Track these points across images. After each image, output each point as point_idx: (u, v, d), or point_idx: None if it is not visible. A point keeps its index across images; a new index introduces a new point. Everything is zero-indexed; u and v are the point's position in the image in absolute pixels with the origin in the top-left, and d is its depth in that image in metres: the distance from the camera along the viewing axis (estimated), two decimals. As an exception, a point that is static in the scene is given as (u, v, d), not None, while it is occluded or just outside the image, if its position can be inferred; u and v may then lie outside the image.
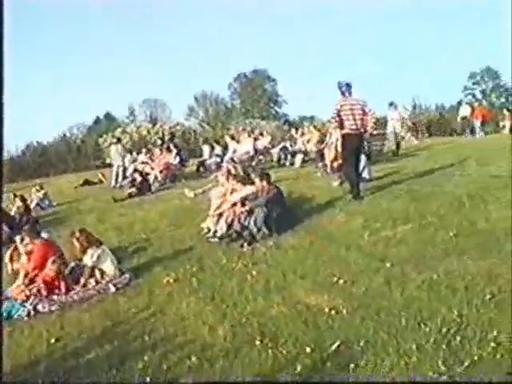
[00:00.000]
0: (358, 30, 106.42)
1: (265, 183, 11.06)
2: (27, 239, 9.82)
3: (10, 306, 8.36)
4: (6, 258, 10.16)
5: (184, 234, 11.67)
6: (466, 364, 4.81)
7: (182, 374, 5.58)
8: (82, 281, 9.15)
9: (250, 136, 23.18)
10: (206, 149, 25.33)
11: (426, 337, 5.42)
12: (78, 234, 9.56)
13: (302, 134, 23.60)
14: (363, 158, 13.29)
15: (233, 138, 24.32)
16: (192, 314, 7.13)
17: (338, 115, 11.36)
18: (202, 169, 22.81)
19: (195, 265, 9.28)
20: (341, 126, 11.43)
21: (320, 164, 17.76)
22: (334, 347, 5.55)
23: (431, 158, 17.52)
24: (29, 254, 9.72)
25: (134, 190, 18.47)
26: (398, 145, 20.63)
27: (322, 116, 42.94)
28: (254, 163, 20.36)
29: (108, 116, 76.46)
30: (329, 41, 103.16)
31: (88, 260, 9.33)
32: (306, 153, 20.97)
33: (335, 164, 15.64)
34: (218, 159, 22.64)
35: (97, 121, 74.83)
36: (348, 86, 11.52)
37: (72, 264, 9.59)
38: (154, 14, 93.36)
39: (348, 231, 9.81)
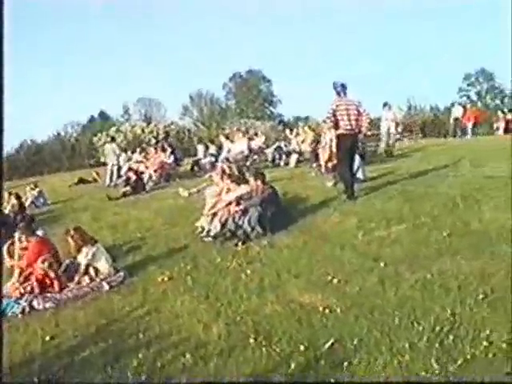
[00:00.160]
0: (357, 30, 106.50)
1: (259, 183, 11.09)
2: (22, 237, 9.83)
3: (4, 303, 8.37)
4: (5, 253, 10.14)
5: (178, 232, 11.67)
6: (459, 362, 4.85)
7: (177, 371, 5.60)
8: (77, 278, 9.18)
9: (244, 136, 23.23)
10: (200, 148, 25.42)
11: (419, 335, 5.46)
12: (72, 232, 9.56)
13: (297, 134, 23.66)
14: (357, 158, 13.32)
15: (227, 137, 24.39)
16: (186, 313, 7.15)
17: (334, 115, 11.37)
18: (196, 168, 22.85)
19: (190, 263, 9.29)
20: (336, 126, 11.45)
21: (314, 164, 17.82)
22: (327, 345, 5.58)
23: (425, 159, 17.57)
24: (23, 251, 9.73)
25: (128, 188, 18.48)
26: (392, 145, 20.67)
27: (316, 116, 42.92)
28: (248, 163, 20.39)
29: (102, 115, 76.30)
30: (329, 41, 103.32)
31: (82, 258, 9.35)
32: (300, 153, 21.03)
33: (329, 164, 15.70)
34: (213, 159, 22.70)
35: (91, 120, 74.66)
36: (343, 86, 11.53)
37: (67, 262, 9.62)
38: (154, 13, 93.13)
39: (342, 231, 9.83)
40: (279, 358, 5.55)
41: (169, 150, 22.38)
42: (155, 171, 20.52)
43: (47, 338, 7.04)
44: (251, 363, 5.51)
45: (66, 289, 8.93)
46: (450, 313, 5.83)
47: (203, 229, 11.07)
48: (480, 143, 23.01)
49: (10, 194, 16.03)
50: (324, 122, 16.45)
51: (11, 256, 9.96)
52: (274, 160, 21.56)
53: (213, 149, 24.14)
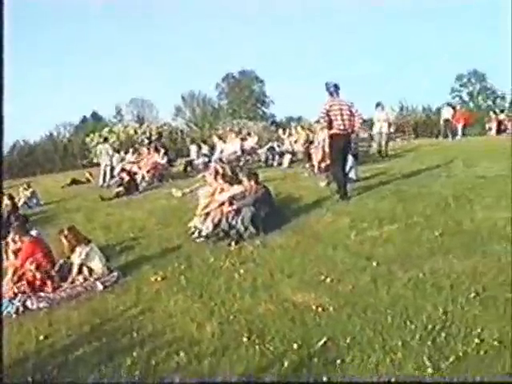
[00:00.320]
0: (357, 30, 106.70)
1: (253, 183, 11.11)
2: (16, 237, 9.82)
3: (-1, 302, 8.39)
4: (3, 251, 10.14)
5: (172, 233, 11.68)
6: (451, 360, 4.89)
7: (170, 370, 5.62)
8: (70, 278, 9.19)
9: (237, 136, 23.25)
10: (193, 149, 25.46)
11: (411, 334, 5.50)
12: (66, 232, 9.56)
13: (290, 134, 23.71)
14: (350, 158, 13.37)
15: (220, 138, 24.42)
16: (180, 312, 7.18)
17: (327, 115, 11.42)
18: (189, 168, 22.87)
19: (183, 263, 9.30)
20: (329, 125, 11.49)
21: (307, 164, 17.85)
22: (320, 344, 5.62)
23: (418, 159, 17.64)
24: (17, 251, 9.72)
25: (121, 189, 18.46)
26: (385, 145, 20.70)
27: (308, 117, 43.03)
28: (241, 163, 20.42)
29: (95, 115, 76.29)
30: (328, 41, 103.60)
31: (76, 258, 9.34)
32: (293, 153, 21.07)
33: (322, 164, 15.76)
34: (206, 159, 22.74)
35: (83, 120, 74.62)
36: (336, 86, 11.58)
37: (60, 261, 9.63)
38: (153, 13, 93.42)
39: (335, 231, 9.86)
40: (272, 356, 5.57)
41: (162, 150, 22.38)
42: (148, 172, 20.51)
43: (41, 338, 7.05)
44: (244, 362, 5.54)
45: (59, 289, 8.94)
46: (442, 311, 5.88)
47: (196, 229, 11.08)
48: (472, 144, 23.10)
49: (2, 194, 16.01)
50: (317, 121, 16.53)
51: (6, 256, 9.96)
52: (266, 160, 21.58)
53: (206, 149, 24.19)
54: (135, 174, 20.13)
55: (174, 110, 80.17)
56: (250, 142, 22.96)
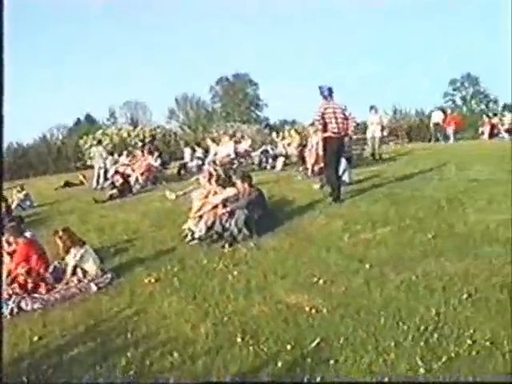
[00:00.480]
0: (357, 31, 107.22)
1: (246, 185, 11.15)
2: (10, 238, 9.83)
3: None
4: None
5: (165, 235, 11.71)
6: (443, 360, 4.93)
7: (165, 370, 5.65)
8: (64, 280, 9.21)
9: (231, 139, 23.26)
10: (187, 151, 25.46)
11: (404, 335, 5.53)
12: (61, 233, 9.57)
13: (283, 137, 23.78)
14: (343, 161, 13.43)
15: (214, 140, 24.48)
16: (174, 313, 7.19)
17: (322, 118, 11.47)
18: (183, 171, 22.88)
19: (177, 265, 9.32)
20: (324, 128, 11.54)
21: (301, 167, 17.91)
22: (313, 344, 5.65)
23: (411, 163, 17.71)
24: (12, 253, 9.72)
25: (115, 191, 18.46)
26: (378, 149, 20.76)
27: (302, 120, 43.14)
28: (234, 166, 20.42)
29: (88, 118, 76.31)
30: (328, 41, 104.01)
31: (71, 259, 9.34)
32: (286, 156, 21.16)
33: (316, 167, 15.82)
34: (200, 162, 22.77)
35: (77, 123, 74.64)
36: (330, 90, 11.64)
37: (55, 263, 9.64)
38: (153, 14, 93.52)
39: (328, 233, 9.90)
40: (266, 356, 5.60)
41: (156, 153, 22.41)
42: (142, 174, 20.52)
43: (35, 339, 7.05)
44: (238, 362, 5.56)
45: (53, 290, 8.95)
46: (435, 313, 5.92)
47: (190, 231, 11.10)
48: (465, 147, 23.22)
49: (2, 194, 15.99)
50: (311, 125, 16.57)
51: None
52: (260, 163, 21.66)
53: (199, 152, 24.21)
54: (129, 176, 20.13)
55: (167, 113, 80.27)
56: (244, 145, 22.99)
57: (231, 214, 10.72)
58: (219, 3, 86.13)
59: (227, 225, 10.60)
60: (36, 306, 8.47)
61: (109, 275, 9.25)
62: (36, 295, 8.76)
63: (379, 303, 6.46)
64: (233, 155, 21.24)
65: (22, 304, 8.50)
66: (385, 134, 23.11)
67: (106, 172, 22.54)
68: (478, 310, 5.88)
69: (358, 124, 14.42)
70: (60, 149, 41.25)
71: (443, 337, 5.38)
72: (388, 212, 10.49)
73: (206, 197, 11.73)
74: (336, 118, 11.48)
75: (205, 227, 10.87)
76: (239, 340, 6.02)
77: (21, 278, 9.09)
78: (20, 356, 6.61)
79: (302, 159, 17.88)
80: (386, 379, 4.84)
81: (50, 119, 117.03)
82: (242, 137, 27.05)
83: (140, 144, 34.72)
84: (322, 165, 13.84)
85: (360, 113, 21.41)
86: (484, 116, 32.89)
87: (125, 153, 25.86)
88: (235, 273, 8.44)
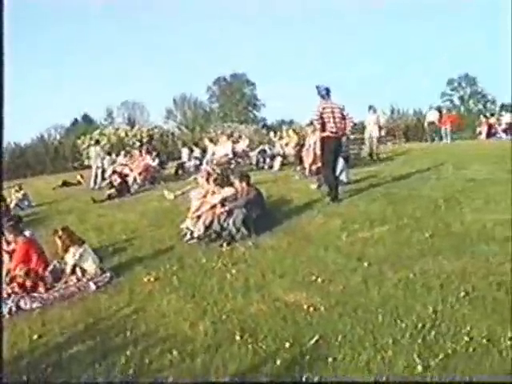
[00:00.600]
0: (357, 31, 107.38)
1: (244, 185, 11.20)
2: (10, 237, 9.84)
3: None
4: None
5: (164, 234, 11.75)
6: (441, 357, 4.97)
7: (164, 367, 5.69)
8: (63, 279, 9.23)
9: (229, 139, 23.28)
10: (184, 151, 25.52)
11: (401, 332, 5.57)
12: (60, 233, 9.59)
13: (281, 137, 23.81)
14: (341, 161, 13.45)
15: (211, 140, 24.48)
16: (173, 311, 7.23)
17: (321, 117, 11.51)
18: (180, 171, 22.89)
19: (175, 264, 9.35)
20: (322, 128, 11.57)
21: (298, 167, 17.94)
22: (312, 342, 5.69)
23: (408, 163, 17.74)
24: (11, 251, 9.75)
25: (113, 191, 18.49)
26: (376, 148, 20.80)
27: (299, 120, 43.17)
28: (232, 166, 20.44)
29: (85, 118, 76.27)
30: (328, 42, 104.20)
31: (70, 258, 9.37)
32: (284, 156, 21.18)
33: (313, 167, 15.83)
34: (197, 162, 22.78)
35: (74, 123, 74.60)
36: (327, 90, 11.67)
37: (54, 262, 9.66)
38: (153, 14, 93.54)
39: (326, 232, 9.94)
40: (265, 354, 5.63)
41: (154, 153, 22.45)
42: (140, 174, 20.56)
43: (35, 337, 7.09)
44: (237, 360, 5.59)
45: (52, 289, 8.98)
46: (432, 310, 5.96)
47: (188, 230, 11.14)
48: (462, 147, 23.25)
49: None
50: (311, 123, 16.57)
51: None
52: (258, 163, 21.67)
53: (197, 152, 24.22)
54: (127, 176, 20.16)
55: (165, 113, 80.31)
56: (242, 145, 23.02)
57: (229, 213, 10.75)
58: (219, 4, 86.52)
59: (225, 224, 10.62)
60: (35, 305, 8.50)
61: (108, 274, 9.28)
62: (35, 294, 8.79)
63: (377, 301, 6.50)
64: (231, 155, 21.25)
65: (21, 303, 8.53)
66: (382, 133, 23.17)
67: (103, 172, 22.56)
68: (474, 307, 5.93)
69: (355, 124, 14.47)
70: (57, 149, 41.30)
71: (440, 334, 5.42)
72: (386, 211, 10.53)
73: (205, 196, 11.76)
74: (334, 118, 11.52)
75: (203, 227, 10.90)
76: (238, 338, 6.05)
77: (20, 279, 9.12)
78: (19, 354, 6.63)
79: (300, 159, 17.90)
80: (384, 378, 4.88)
81: (49, 119, 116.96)
82: (240, 137, 27.09)
83: (138, 144, 34.75)
84: (319, 164, 13.86)
85: (359, 113, 21.49)
86: (481, 116, 32.92)
87: (122, 153, 25.86)
88: (234, 271, 8.48)
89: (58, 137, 55.57)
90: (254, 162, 21.87)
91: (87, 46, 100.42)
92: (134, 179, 20.22)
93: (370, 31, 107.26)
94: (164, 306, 7.51)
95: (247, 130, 41.64)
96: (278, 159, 20.73)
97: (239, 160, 21.88)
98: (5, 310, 8.27)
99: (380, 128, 21.48)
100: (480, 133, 30.19)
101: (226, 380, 5.32)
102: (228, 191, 11.47)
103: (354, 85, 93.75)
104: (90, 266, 9.35)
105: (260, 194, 11.21)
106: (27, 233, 10.46)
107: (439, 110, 31.00)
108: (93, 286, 8.91)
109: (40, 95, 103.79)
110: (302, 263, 8.40)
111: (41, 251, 9.72)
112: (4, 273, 9.35)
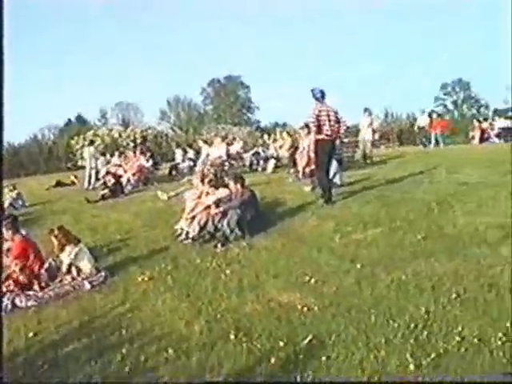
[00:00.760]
0: (357, 31, 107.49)
1: (239, 186, 11.25)
2: (7, 235, 9.86)
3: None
4: None
5: (158, 234, 11.79)
6: (433, 356, 5.06)
7: (160, 365, 5.75)
8: (59, 277, 9.28)
9: (223, 141, 23.34)
10: (178, 152, 25.56)
11: (394, 332, 5.66)
12: (56, 232, 9.63)
13: (275, 140, 23.89)
14: (334, 163, 13.52)
15: (205, 142, 24.51)
16: (168, 310, 7.29)
17: (317, 120, 11.58)
18: (174, 172, 22.94)
19: (170, 264, 9.41)
20: (318, 130, 11.63)
21: (292, 169, 17.98)
22: (306, 341, 5.77)
23: (401, 166, 17.81)
24: (7, 249, 9.77)
25: (107, 191, 18.49)
26: (369, 152, 20.85)
27: (293, 123, 43.24)
28: (226, 168, 20.49)
29: (79, 118, 76.15)
30: (329, 42, 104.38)
31: (65, 257, 9.41)
32: (278, 158, 21.21)
33: (307, 170, 15.86)
34: (191, 163, 22.82)
35: (68, 123, 74.48)
36: (322, 92, 11.73)
37: (49, 260, 9.68)
38: (153, 14, 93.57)
39: (319, 234, 10.00)
40: (260, 353, 5.71)
41: (147, 153, 22.48)
42: (134, 175, 20.59)
43: (30, 335, 7.13)
44: (232, 358, 5.66)
45: (47, 287, 9.02)
46: (424, 311, 6.05)
47: (183, 231, 11.20)
48: (455, 152, 23.32)
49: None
50: (303, 127, 16.61)
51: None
52: (251, 165, 21.73)
53: (191, 153, 24.27)
54: (121, 176, 20.17)
55: (159, 114, 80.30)
56: (236, 147, 23.07)
57: (224, 214, 10.81)
58: (219, 4, 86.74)
59: (220, 225, 10.69)
60: (30, 303, 8.55)
61: (103, 273, 9.32)
62: (30, 292, 8.82)
63: (370, 302, 6.58)
64: (224, 157, 21.28)
65: (17, 301, 8.57)
66: (376, 137, 23.23)
67: (97, 172, 22.57)
68: (466, 308, 6.02)
69: (348, 127, 14.54)
70: (51, 149, 41.33)
71: (432, 334, 5.51)
72: (379, 214, 10.60)
73: (199, 197, 11.81)
74: (330, 121, 11.59)
75: (198, 227, 10.96)
76: (232, 337, 6.13)
77: (14, 275, 9.15)
78: (15, 352, 6.68)
79: (294, 161, 17.94)
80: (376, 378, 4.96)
81: (46, 119, 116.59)
82: (234, 138, 27.19)
83: (131, 145, 34.77)
84: (313, 167, 13.90)
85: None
86: (474, 121, 33.05)
87: (117, 153, 25.84)
88: (228, 272, 8.55)
89: (51, 137, 55.46)
90: (248, 164, 21.93)
91: (87, 46, 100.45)
92: (128, 180, 20.25)
93: (370, 31, 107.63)
94: (159, 305, 7.57)
95: (241, 132, 41.77)
96: (272, 161, 20.77)
97: (233, 162, 21.92)
98: (0, 308, 8.32)
99: (374, 131, 21.53)
100: (473, 137, 30.27)
101: (220, 379, 5.38)
102: (222, 192, 11.54)
103: (354, 85, 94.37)
104: (86, 265, 9.40)
105: (254, 196, 11.27)
106: (23, 231, 10.49)
107: (430, 115, 31.09)
108: (88, 285, 8.95)
109: (39, 95, 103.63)
110: (296, 264, 8.47)
111: (37, 250, 9.74)
112: (0, 270, 9.41)
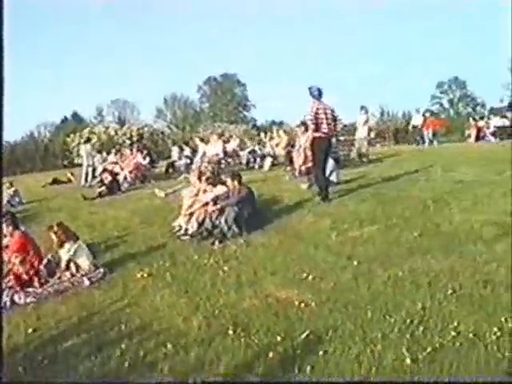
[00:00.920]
0: (357, 31, 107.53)
1: (236, 183, 11.30)
2: (6, 231, 9.88)
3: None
4: None
5: (156, 231, 11.84)
6: (428, 351, 5.12)
7: (159, 360, 5.80)
8: (58, 274, 9.31)
9: (219, 138, 23.38)
10: (175, 150, 25.59)
11: (390, 327, 5.72)
12: (56, 228, 9.66)
13: (271, 138, 23.94)
14: (331, 161, 13.61)
15: (202, 139, 24.54)
16: (166, 306, 7.33)
17: (316, 118, 11.64)
18: (171, 170, 23.00)
19: (168, 261, 9.45)
20: (316, 128, 11.68)
21: (288, 167, 18.06)
22: (303, 336, 5.83)
23: (397, 164, 17.91)
24: (6, 246, 9.79)
25: (103, 189, 18.53)
26: (365, 150, 20.90)
27: (290, 121, 43.25)
28: (222, 165, 20.54)
29: (75, 116, 76.11)
30: (329, 42, 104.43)
31: (64, 253, 9.43)
32: (274, 156, 21.28)
33: (303, 167, 15.94)
34: (188, 161, 22.86)
35: (64, 120, 74.42)
36: (319, 90, 11.79)
37: (48, 256, 9.72)
38: (153, 14, 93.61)
39: (316, 231, 10.07)
40: (258, 348, 5.75)
41: (144, 151, 22.52)
42: (131, 172, 20.64)
43: (30, 331, 7.15)
44: (230, 353, 5.71)
45: (46, 284, 9.07)
46: (421, 307, 6.11)
47: (181, 228, 11.26)
48: (450, 150, 23.42)
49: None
50: (302, 124, 16.64)
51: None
52: (248, 163, 21.82)
53: (188, 151, 24.32)
54: (117, 174, 20.21)
55: (155, 112, 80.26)
56: (232, 145, 23.15)
57: (221, 211, 10.88)
58: (219, 4, 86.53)
59: (217, 222, 10.75)
60: (29, 299, 8.56)
61: (101, 270, 9.35)
62: (29, 289, 8.85)
63: (367, 298, 6.64)
64: (221, 154, 21.35)
65: (15, 298, 8.59)
66: (372, 135, 23.31)
67: (94, 170, 22.62)
68: (462, 304, 6.08)
69: (345, 125, 14.63)
70: (47, 146, 41.33)
71: (428, 329, 5.57)
72: (375, 211, 10.68)
73: (196, 195, 11.86)
74: (327, 119, 11.66)
75: (196, 223, 11.04)
76: (231, 332, 6.16)
77: (15, 268, 9.20)
78: (15, 347, 6.70)
79: (290, 159, 18.02)
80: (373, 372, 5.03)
81: (44, 118, 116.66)
82: (231, 136, 27.23)
83: (128, 142, 34.78)
84: (309, 165, 13.99)
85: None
86: (470, 119, 33.13)
87: (113, 151, 25.86)
88: (226, 268, 8.59)
89: (47, 134, 55.45)
90: (245, 162, 22.00)
91: (86, 46, 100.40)
92: (125, 177, 20.29)
93: (370, 31, 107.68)
94: (157, 300, 7.61)
95: (237, 130, 41.80)
96: (268, 159, 20.85)
97: (229, 160, 21.99)
98: (-1, 305, 8.36)
99: (370, 130, 21.60)
100: (469, 136, 30.37)
101: (219, 373, 5.44)
102: (220, 190, 11.59)
103: (354, 85, 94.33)
104: (84, 261, 9.43)
105: (251, 193, 11.33)
106: (23, 228, 10.52)
107: (423, 114, 31.19)
108: (87, 282, 8.99)
109: (38, 95, 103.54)
110: (293, 261, 8.52)
111: (36, 246, 9.76)
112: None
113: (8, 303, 8.46)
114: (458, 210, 10.09)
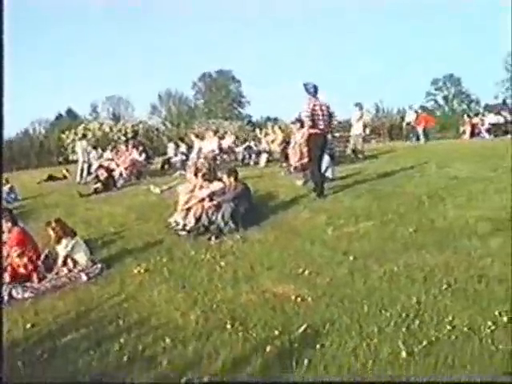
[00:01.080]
0: (357, 31, 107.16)
1: (232, 179, 11.34)
2: (6, 226, 9.90)
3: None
4: None
5: (152, 227, 11.87)
6: (424, 344, 5.20)
7: (157, 354, 5.86)
8: (55, 269, 9.35)
9: (215, 135, 23.38)
10: (170, 146, 25.49)
11: (386, 321, 5.80)
12: (54, 224, 9.70)
13: (266, 134, 23.95)
14: (327, 157, 13.65)
15: (197, 136, 24.52)
16: (164, 301, 7.41)
17: (312, 114, 11.70)
18: (166, 166, 22.97)
19: (165, 256, 9.52)
20: (313, 124, 11.74)
21: (284, 164, 18.08)
22: (300, 330, 5.90)
23: (392, 161, 17.90)
24: (5, 241, 9.82)
25: (99, 185, 18.48)
26: (360, 146, 20.94)
27: (284, 118, 43.24)
28: (218, 162, 20.55)
29: (70, 112, 75.95)
30: (329, 42, 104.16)
31: (62, 249, 9.49)
32: (270, 153, 21.28)
33: (299, 164, 15.97)
34: (183, 157, 22.83)
35: (58, 117, 74.26)
36: (315, 87, 11.83)
37: (45, 252, 9.76)
38: (153, 16, 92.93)
39: (312, 227, 10.13)
40: (255, 341, 5.83)
41: (140, 147, 22.50)
42: (126, 169, 20.58)
43: (28, 326, 7.22)
44: (228, 346, 5.79)
45: (44, 279, 9.11)
46: (416, 301, 6.20)
47: (177, 223, 11.31)
48: (445, 146, 23.44)
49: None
50: (298, 120, 16.62)
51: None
52: (243, 159, 21.79)
53: (183, 147, 24.26)
54: (113, 170, 20.16)
55: (150, 109, 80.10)
56: (228, 141, 23.14)
57: (218, 207, 10.93)
58: (220, 5, 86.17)
59: (214, 218, 10.81)
60: (27, 294, 8.64)
61: (99, 265, 9.41)
62: (27, 284, 8.92)
63: (363, 292, 6.73)
64: (217, 151, 21.34)
65: (13, 293, 8.66)
66: (367, 132, 23.33)
67: (89, 166, 22.54)
68: (456, 298, 6.17)
69: (340, 122, 14.68)
70: (43, 143, 41.15)
71: (424, 323, 5.66)
72: (370, 207, 10.73)
73: (192, 191, 11.90)
74: (323, 116, 11.71)
75: (194, 219, 11.10)
76: (228, 326, 6.25)
77: (14, 262, 9.25)
78: (14, 342, 6.75)
79: (286, 156, 18.04)
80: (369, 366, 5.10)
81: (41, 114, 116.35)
82: (226, 132, 27.22)
83: (123, 139, 34.72)
84: (305, 161, 14.03)
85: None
86: (465, 116, 33.19)
87: (109, 147, 25.82)
88: (222, 264, 8.67)
89: (42, 131, 55.32)
90: (240, 158, 21.99)
91: (86, 47, 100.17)
92: (121, 174, 20.23)
93: (370, 31, 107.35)
94: (155, 296, 7.68)
95: (232, 126, 41.76)
96: (264, 156, 20.84)
97: (225, 156, 22.00)
98: (-3, 299, 8.40)
99: (365, 126, 21.62)
100: (464, 132, 30.41)
101: (217, 368, 5.50)
102: (216, 186, 11.64)
103: (354, 84, 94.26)
104: (82, 257, 9.48)
105: (248, 189, 11.38)
106: (21, 224, 10.55)
107: (416, 110, 31.28)
108: (84, 277, 9.04)
109: (38, 95, 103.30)
110: (290, 256, 8.59)
111: (34, 242, 9.82)
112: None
113: (6, 298, 8.50)
114: (452, 205, 10.15)
